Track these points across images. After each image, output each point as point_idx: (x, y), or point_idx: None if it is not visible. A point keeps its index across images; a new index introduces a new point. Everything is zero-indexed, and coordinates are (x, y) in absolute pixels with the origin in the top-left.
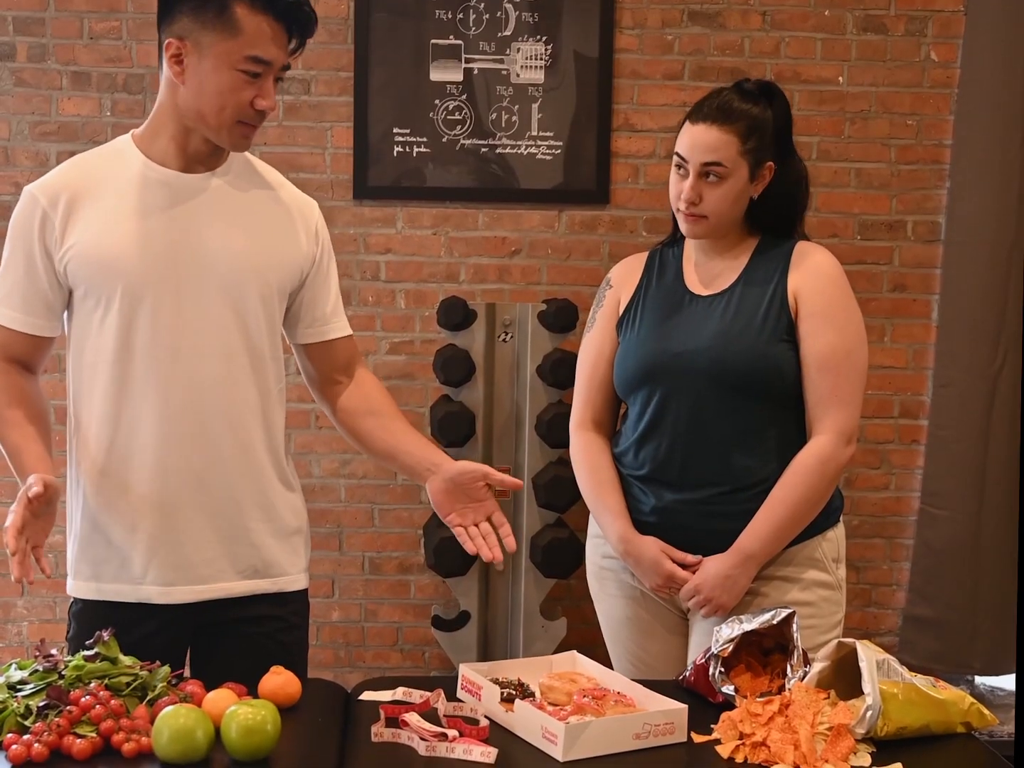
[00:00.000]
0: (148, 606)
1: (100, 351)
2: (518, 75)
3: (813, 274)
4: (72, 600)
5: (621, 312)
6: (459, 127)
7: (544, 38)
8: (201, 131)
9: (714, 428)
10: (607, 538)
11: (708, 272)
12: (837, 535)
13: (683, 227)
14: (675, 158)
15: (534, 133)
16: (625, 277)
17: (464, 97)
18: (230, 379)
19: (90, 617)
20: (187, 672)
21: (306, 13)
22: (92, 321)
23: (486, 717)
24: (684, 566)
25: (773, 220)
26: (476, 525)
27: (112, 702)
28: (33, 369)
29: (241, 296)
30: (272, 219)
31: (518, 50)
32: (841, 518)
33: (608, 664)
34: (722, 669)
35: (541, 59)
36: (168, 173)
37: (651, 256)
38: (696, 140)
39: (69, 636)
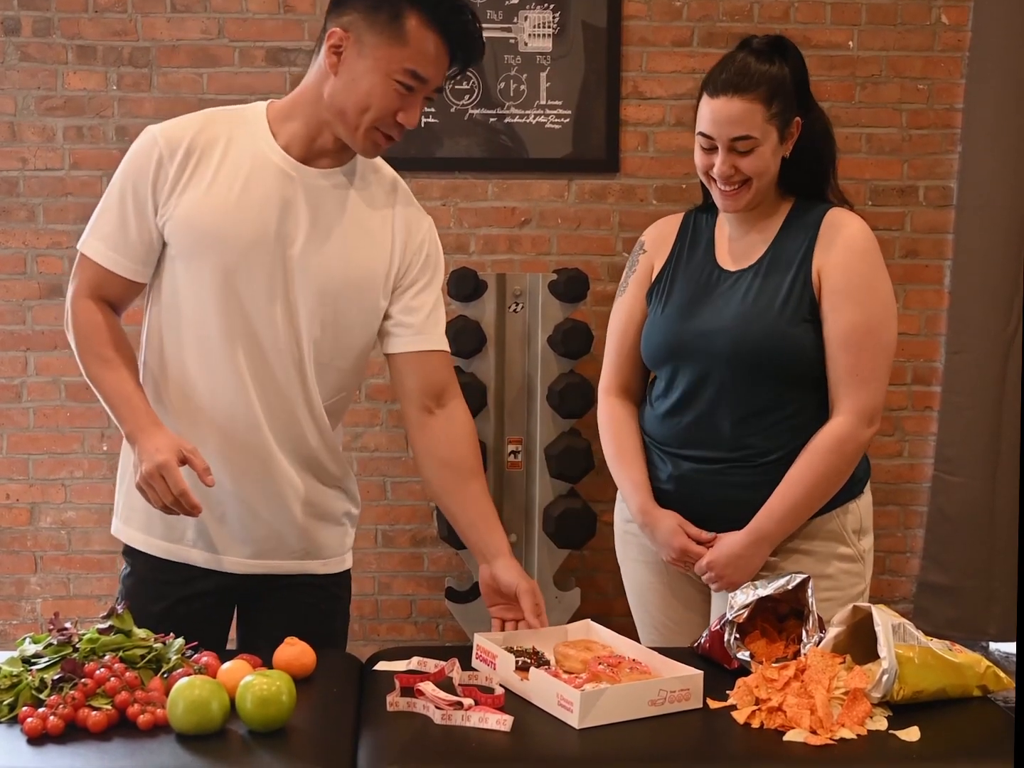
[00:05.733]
0: (196, 567)
1: (183, 314)
2: (526, 44)
3: (839, 248)
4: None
5: (653, 279)
6: (467, 97)
7: (551, 5)
8: (336, 127)
9: (734, 406)
10: (628, 508)
11: (738, 243)
12: (860, 506)
13: (721, 204)
14: (700, 138)
15: (543, 102)
16: (659, 241)
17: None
18: (289, 377)
19: (144, 562)
20: (232, 635)
21: (476, 42)
22: (178, 282)
23: (501, 686)
24: (700, 542)
25: (805, 178)
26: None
27: (127, 674)
28: (119, 312)
29: (314, 301)
30: (373, 229)
31: (525, 18)
32: (867, 488)
33: (623, 633)
34: (737, 635)
35: (549, 27)
36: (288, 160)
37: (685, 220)
38: (719, 115)
39: (124, 575)
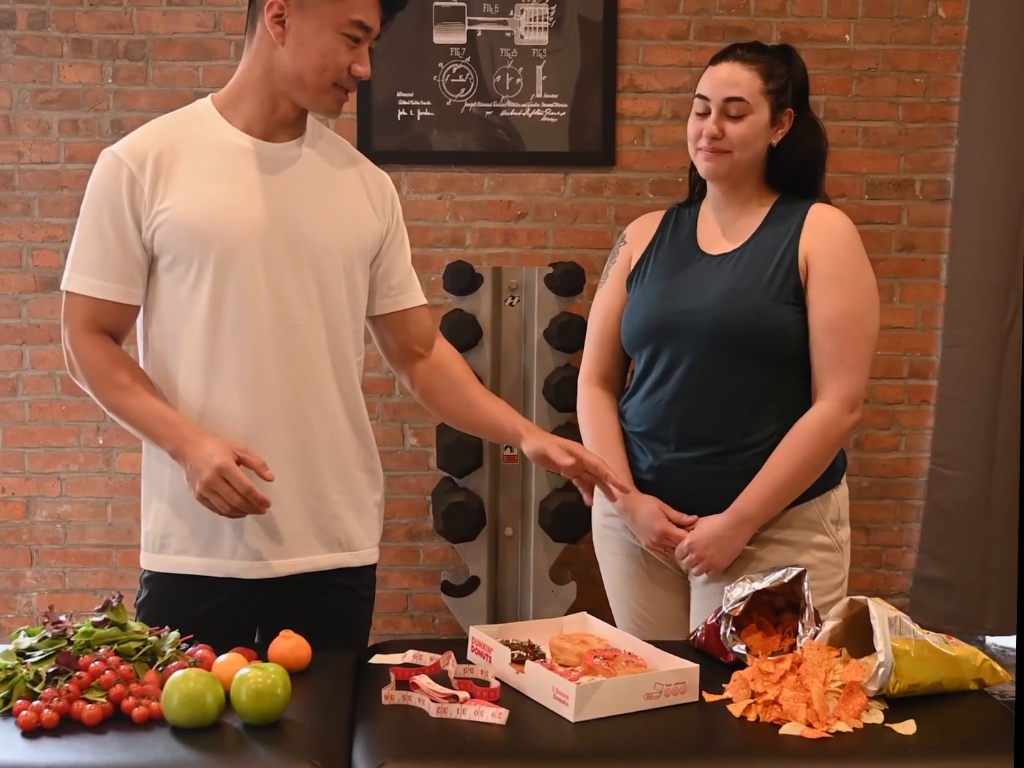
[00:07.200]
0: (225, 578)
1: (188, 321)
2: (522, 37)
3: (825, 237)
4: (144, 569)
5: (632, 268)
6: (463, 90)
7: None
8: (295, 95)
9: (715, 388)
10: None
11: (722, 230)
12: (838, 497)
13: (702, 168)
14: (696, 102)
15: (539, 95)
16: (640, 234)
17: (468, 60)
18: (315, 351)
19: (163, 586)
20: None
21: None
22: (181, 290)
23: (497, 679)
24: (681, 526)
25: (792, 177)
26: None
27: (122, 667)
28: (120, 342)
29: (325, 268)
30: (352, 190)
31: (522, 11)
32: (844, 479)
33: (615, 624)
34: (733, 628)
35: (545, 20)
36: (254, 141)
37: (667, 214)
38: (718, 77)
39: (139, 601)
